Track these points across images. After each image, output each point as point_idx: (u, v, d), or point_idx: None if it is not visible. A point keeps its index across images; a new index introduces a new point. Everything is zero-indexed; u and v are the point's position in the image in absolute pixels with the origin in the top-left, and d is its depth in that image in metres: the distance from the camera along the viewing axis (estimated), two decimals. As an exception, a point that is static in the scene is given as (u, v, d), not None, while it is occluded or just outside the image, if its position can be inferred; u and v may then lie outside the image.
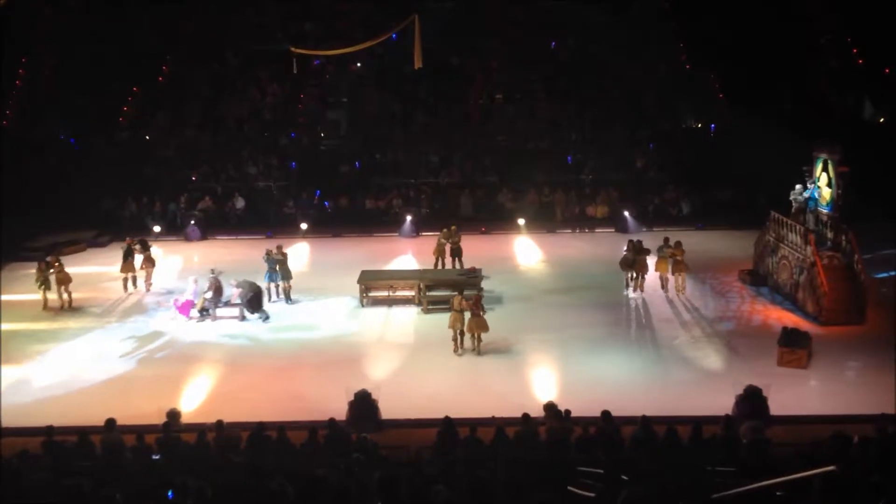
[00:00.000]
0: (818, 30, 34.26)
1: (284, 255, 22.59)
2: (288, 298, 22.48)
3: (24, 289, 22.70)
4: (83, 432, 13.30)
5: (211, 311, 21.19)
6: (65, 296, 22.27)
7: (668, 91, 34.60)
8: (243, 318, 21.23)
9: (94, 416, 14.27)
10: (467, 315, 18.70)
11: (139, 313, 22.07)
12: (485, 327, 18.59)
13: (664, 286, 22.42)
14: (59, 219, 29.56)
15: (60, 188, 30.07)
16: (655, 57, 35.48)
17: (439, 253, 24.43)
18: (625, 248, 22.80)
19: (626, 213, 29.73)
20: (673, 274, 22.27)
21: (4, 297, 21.97)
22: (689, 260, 22.49)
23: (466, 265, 23.99)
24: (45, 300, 22.13)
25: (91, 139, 33.30)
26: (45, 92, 33.27)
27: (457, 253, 24.51)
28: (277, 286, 22.60)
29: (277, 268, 22.33)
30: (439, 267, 24.38)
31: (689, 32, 35.36)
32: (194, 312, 21.26)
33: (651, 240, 23.52)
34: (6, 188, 28.17)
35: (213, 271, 21.98)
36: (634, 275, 22.44)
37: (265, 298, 21.84)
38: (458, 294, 19.10)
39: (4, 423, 15.32)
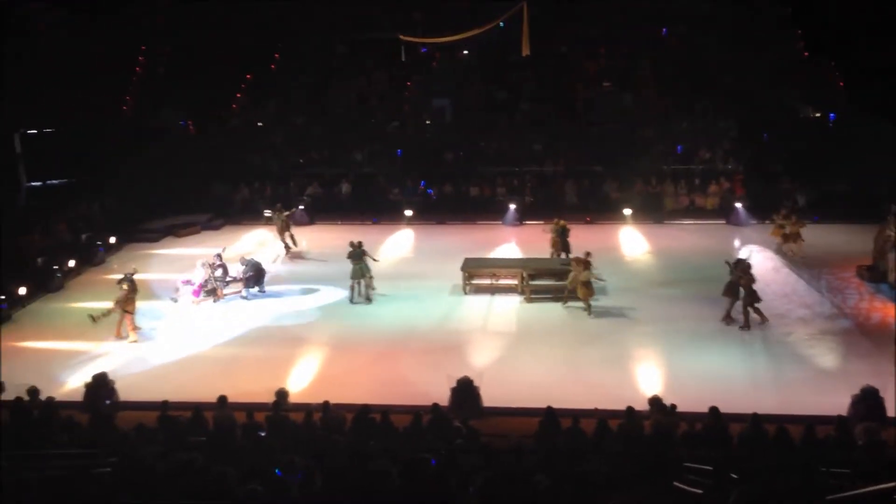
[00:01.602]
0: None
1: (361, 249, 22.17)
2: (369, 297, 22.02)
3: (142, 269, 23.49)
4: (197, 408, 13.76)
5: (220, 287, 22.15)
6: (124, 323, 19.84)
7: (783, 79, 33.37)
8: (244, 296, 22.25)
9: (206, 393, 14.77)
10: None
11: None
12: (590, 292, 20.12)
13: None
14: (175, 202, 30.61)
15: (176, 173, 31.12)
16: (770, 44, 34.25)
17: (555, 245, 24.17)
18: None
19: (738, 205, 28.87)
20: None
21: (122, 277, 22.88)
22: (805, 252, 22.01)
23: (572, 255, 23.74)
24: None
25: (205, 125, 34.32)
26: (163, 80, 34.43)
27: (565, 247, 24.16)
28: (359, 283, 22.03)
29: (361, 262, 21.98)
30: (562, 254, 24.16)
31: (806, 18, 34.00)
32: (203, 294, 21.97)
33: (763, 232, 22.81)
34: (126, 172, 29.47)
35: (219, 254, 22.62)
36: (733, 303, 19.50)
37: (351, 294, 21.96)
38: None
39: (122, 398, 16.07)
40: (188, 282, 22.03)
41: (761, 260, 23.85)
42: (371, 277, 22.07)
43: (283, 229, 26.25)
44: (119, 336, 19.59)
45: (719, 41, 33.95)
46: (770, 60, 33.81)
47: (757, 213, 28.62)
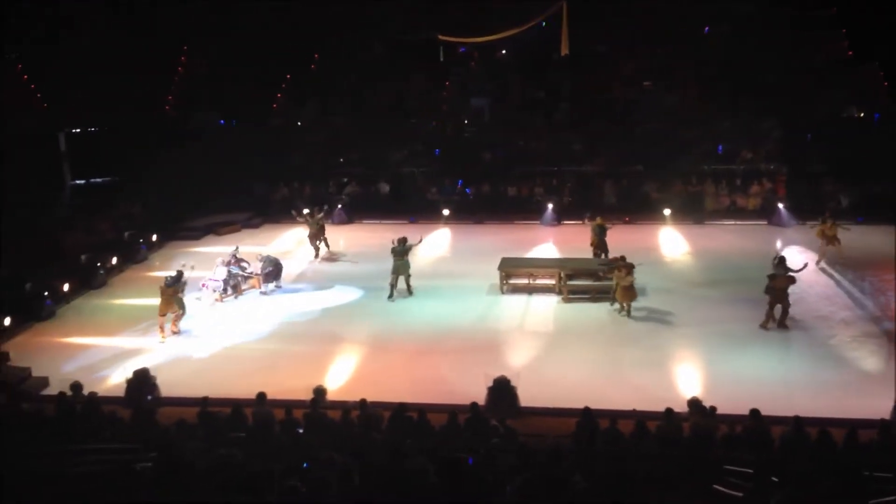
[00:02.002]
0: None
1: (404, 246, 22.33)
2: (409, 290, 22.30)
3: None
4: (236, 404, 13.90)
5: (241, 284, 22.44)
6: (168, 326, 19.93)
7: (826, 79, 32.87)
8: (263, 291, 22.63)
9: (245, 389, 14.91)
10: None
11: (290, 292, 22.85)
12: (631, 296, 19.94)
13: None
14: (216, 201, 30.94)
15: (217, 171, 31.46)
16: (813, 44, 33.77)
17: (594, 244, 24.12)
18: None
19: (781, 206, 28.52)
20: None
21: (164, 274, 23.15)
22: (847, 254, 21.94)
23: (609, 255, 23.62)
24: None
25: (245, 125, 34.64)
26: (204, 79, 34.82)
27: (602, 247, 24.03)
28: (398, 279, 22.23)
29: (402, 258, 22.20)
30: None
31: (850, 17, 33.45)
32: (230, 290, 22.20)
33: (806, 234, 22.50)
34: (168, 171, 29.87)
35: (235, 253, 22.76)
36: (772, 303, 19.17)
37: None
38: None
39: (163, 393, 16.28)
40: (211, 281, 22.21)
41: (803, 261, 23.53)
42: (409, 275, 22.16)
43: (316, 234, 25.83)
44: (174, 331, 19.83)
45: (762, 41, 33.55)
46: (813, 60, 33.35)
47: (799, 214, 28.23)
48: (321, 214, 26.04)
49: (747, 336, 18.63)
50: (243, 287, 22.66)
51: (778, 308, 19.03)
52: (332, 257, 26.07)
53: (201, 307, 21.62)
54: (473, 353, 18.06)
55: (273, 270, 22.96)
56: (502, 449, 11.11)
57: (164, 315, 19.68)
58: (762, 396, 14.43)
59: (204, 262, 24.74)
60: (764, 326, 18.99)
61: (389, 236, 23.03)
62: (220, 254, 23.95)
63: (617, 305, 20.35)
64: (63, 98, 28.95)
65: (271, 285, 22.89)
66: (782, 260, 19.60)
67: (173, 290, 19.76)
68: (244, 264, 22.59)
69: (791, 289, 19.47)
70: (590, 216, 24.79)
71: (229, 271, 22.26)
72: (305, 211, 26.78)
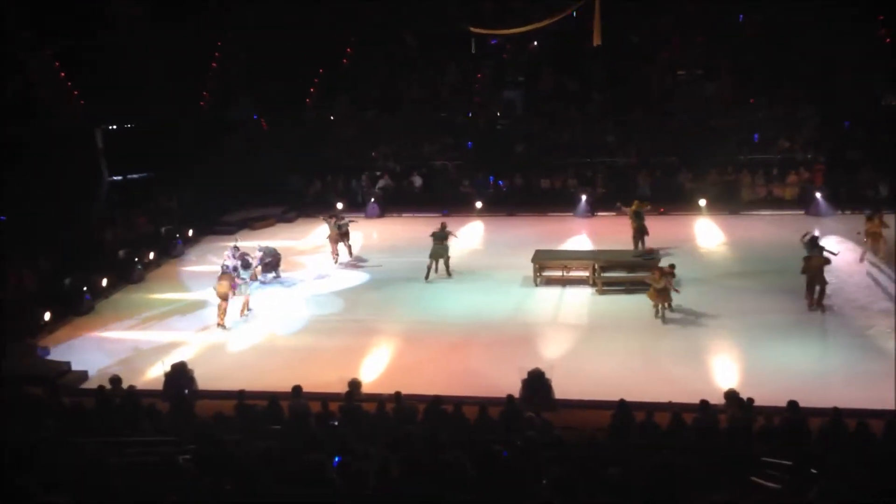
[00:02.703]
0: None
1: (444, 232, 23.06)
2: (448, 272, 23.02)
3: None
4: (272, 397, 14.02)
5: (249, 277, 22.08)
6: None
7: (865, 67, 32.31)
8: (262, 281, 22.81)
9: (281, 382, 15.04)
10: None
11: (322, 287, 22.98)
12: (664, 298, 19.10)
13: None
14: (251, 195, 31.15)
15: (252, 166, 31.68)
16: (851, 30, 33.19)
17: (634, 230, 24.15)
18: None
19: (818, 195, 28.09)
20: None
21: (200, 269, 23.47)
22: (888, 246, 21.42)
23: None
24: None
25: (279, 120, 34.84)
26: (238, 74, 35.05)
27: (641, 231, 23.96)
28: (437, 263, 22.91)
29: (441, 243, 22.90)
30: (638, 247, 23.98)
31: (889, 4, 32.83)
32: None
33: (844, 223, 22.17)
34: (203, 166, 30.14)
35: (236, 245, 22.70)
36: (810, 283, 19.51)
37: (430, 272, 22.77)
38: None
39: (200, 386, 16.46)
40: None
41: (843, 251, 23.23)
42: (448, 258, 22.78)
43: (337, 238, 24.63)
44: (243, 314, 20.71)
45: (798, 28, 33.08)
46: (851, 47, 32.79)
47: (837, 204, 27.84)
48: (345, 221, 24.84)
49: (784, 327, 18.43)
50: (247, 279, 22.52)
51: (816, 289, 19.19)
52: (355, 262, 25.17)
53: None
54: (507, 346, 18.06)
55: (272, 261, 23.20)
56: (538, 442, 11.10)
57: (224, 300, 20.03)
58: (800, 388, 14.29)
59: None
60: (810, 307, 19.26)
61: (422, 229, 23.12)
62: (255, 248, 24.14)
63: (659, 307, 19.33)
64: (99, 94, 29.28)
65: (270, 276, 23.12)
66: (813, 239, 20.02)
67: (230, 277, 20.27)
68: (247, 258, 22.35)
69: (829, 279, 19.62)
70: (620, 205, 24.67)
71: (239, 266, 22.26)
72: (337, 214, 25.88)
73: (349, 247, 25.01)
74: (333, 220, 24.75)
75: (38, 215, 24.29)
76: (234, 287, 20.20)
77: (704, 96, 33.37)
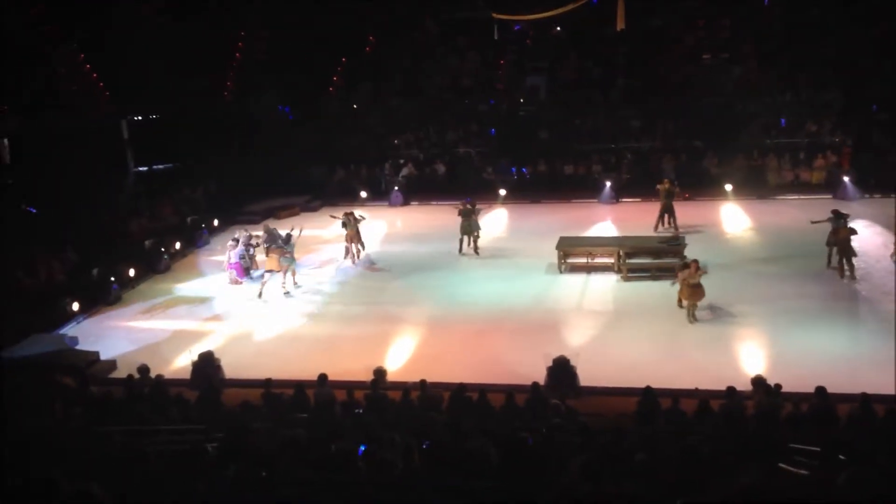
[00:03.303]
0: None
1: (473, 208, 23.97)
2: (476, 250, 23.73)
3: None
4: (299, 386, 14.10)
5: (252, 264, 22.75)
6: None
7: (890, 48, 31.81)
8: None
9: (307, 371, 15.12)
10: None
11: (346, 275, 23.05)
12: (698, 295, 18.16)
13: None
14: (275, 184, 31.27)
15: (276, 156, 31.78)
16: (875, 11, 32.69)
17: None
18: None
19: (846, 179, 27.77)
20: None
21: (225, 258, 23.50)
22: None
23: (670, 232, 23.35)
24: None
25: (302, 109, 34.91)
26: (261, 65, 35.17)
27: (669, 210, 24.48)
28: (469, 238, 23.77)
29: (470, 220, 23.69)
30: (661, 225, 24.59)
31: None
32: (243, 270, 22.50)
33: (872, 207, 21.90)
34: (228, 156, 30.29)
35: (237, 238, 22.95)
36: (837, 255, 20.37)
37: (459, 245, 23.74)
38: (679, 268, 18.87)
39: (227, 375, 16.58)
40: (234, 265, 22.41)
41: (870, 235, 22.99)
42: (478, 235, 23.61)
43: (353, 237, 23.84)
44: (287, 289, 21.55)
45: (823, 10, 32.64)
46: (876, 28, 32.31)
47: (865, 187, 27.52)
48: (359, 220, 23.92)
49: (812, 312, 18.26)
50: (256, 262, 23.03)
51: (844, 261, 19.98)
52: (370, 264, 24.48)
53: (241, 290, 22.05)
54: (532, 333, 18.03)
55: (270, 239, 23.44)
56: (563, 429, 11.09)
57: (269, 272, 21.63)
58: (828, 374, 14.15)
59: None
60: (840, 275, 20.01)
61: (446, 218, 23.11)
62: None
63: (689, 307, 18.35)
64: (125, 86, 29.49)
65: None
66: (836, 212, 20.61)
67: (280, 251, 21.32)
68: (250, 248, 22.81)
69: (858, 263, 19.90)
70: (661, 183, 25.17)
71: (241, 252, 22.50)
72: (352, 212, 24.20)
73: (362, 243, 24.15)
74: (352, 217, 23.62)
75: (66, 206, 24.54)
76: (283, 257, 21.32)
77: (729, 80, 33.04)
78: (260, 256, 23.06)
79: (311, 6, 34.32)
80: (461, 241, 23.60)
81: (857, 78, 31.22)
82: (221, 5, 33.09)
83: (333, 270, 23.31)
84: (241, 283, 22.27)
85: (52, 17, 28.39)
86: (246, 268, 22.60)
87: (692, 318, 18.15)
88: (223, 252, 23.11)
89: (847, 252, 20.04)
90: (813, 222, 21.33)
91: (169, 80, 29.50)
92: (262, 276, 22.20)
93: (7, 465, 7.67)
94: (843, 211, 21.05)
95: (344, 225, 23.72)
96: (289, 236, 22.09)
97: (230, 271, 22.33)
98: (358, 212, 24.29)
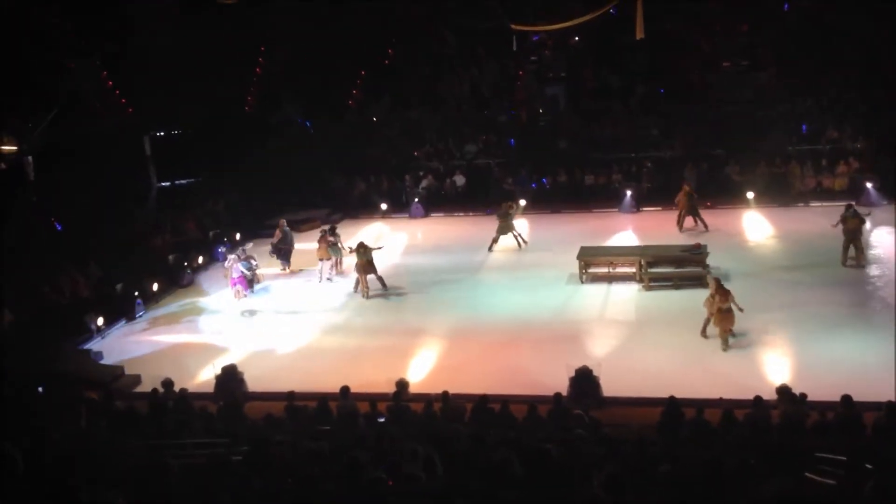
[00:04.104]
0: None
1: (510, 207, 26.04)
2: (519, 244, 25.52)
3: (262, 262, 24.16)
4: (322, 398, 14.13)
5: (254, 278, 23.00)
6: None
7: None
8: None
9: (329, 383, 15.16)
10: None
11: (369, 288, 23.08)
12: (730, 321, 17.08)
13: None
14: (296, 197, 31.39)
15: (297, 168, 31.93)
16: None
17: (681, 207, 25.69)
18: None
19: (869, 185, 27.52)
20: None
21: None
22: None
23: (692, 241, 23.23)
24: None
25: (323, 121, 35.07)
26: (282, 78, 35.38)
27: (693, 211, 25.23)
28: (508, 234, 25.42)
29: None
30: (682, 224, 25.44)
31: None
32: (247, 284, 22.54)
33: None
34: (249, 169, 30.45)
35: (244, 249, 23.78)
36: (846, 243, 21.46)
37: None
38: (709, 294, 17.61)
39: (250, 389, 16.64)
40: (238, 280, 22.39)
41: (893, 241, 22.79)
42: (517, 233, 25.47)
43: (365, 268, 22.21)
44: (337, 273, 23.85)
45: (843, 14, 32.42)
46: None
47: (888, 193, 27.25)
48: (377, 247, 22.94)
49: (836, 320, 18.11)
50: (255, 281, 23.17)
51: (852, 248, 21.14)
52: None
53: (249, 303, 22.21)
54: (554, 343, 17.97)
55: (285, 249, 24.67)
56: (587, 439, 11.05)
57: (321, 260, 23.35)
58: (854, 382, 14.02)
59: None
60: (844, 263, 21.21)
61: (466, 229, 23.19)
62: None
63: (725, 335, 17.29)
64: (146, 101, 29.74)
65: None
66: (848, 206, 21.93)
67: (328, 242, 23.30)
68: (252, 261, 22.89)
69: (880, 272, 20.33)
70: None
71: (242, 267, 22.51)
72: (363, 243, 22.64)
73: (380, 278, 22.41)
74: (362, 250, 22.07)
75: (90, 222, 24.77)
76: (332, 247, 23.34)
77: (749, 87, 32.88)
78: (261, 270, 23.56)
79: (330, 18, 34.48)
80: (494, 240, 25.21)
81: (879, 82, 30.96)
82: (241, 18, 33.31)
83: (353, 283, 23.33)
84: (245, 296, 22.33)
85: (74, 32, 28.65)
86: (249, 280, 22.69)
87: (725, 345, 17.14)
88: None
89: (856, 240, 21.11)
90: (834, 226, 21.75)
91: (190, 95, 29.70)
92: (262, 289, 23.14)
93: (34, 476, 7.74)
94: (864, 213, 21.37)
95: (356, 253, 22.08)
96: (333, 227, 24.62)
97: (236, 287, 22.40)
98: (374, 241, 24.24)
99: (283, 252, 24.67)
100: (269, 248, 25.08)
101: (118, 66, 30.19)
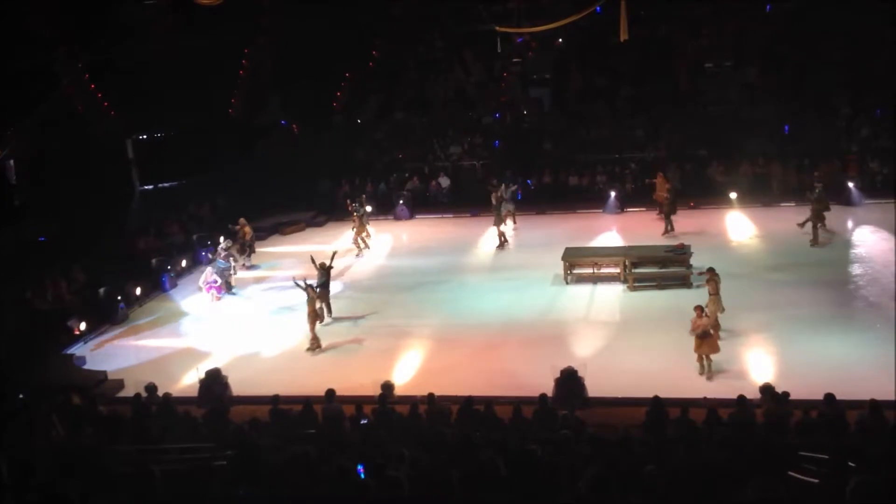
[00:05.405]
0: None
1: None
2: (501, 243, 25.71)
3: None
4: (307, 402, 14.09)
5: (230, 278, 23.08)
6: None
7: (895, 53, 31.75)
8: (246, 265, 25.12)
9: (314, 387, 15.12)
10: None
11: (354, 290, 23.05)
12: (714, 348, 16.14)
13: None
14: (281, 200, 31.31)
15: (281, 171, 31.84)
16: (880, 16, 32.64)
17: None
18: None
19: (851, 185, 27.70)
20: None
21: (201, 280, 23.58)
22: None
23: (675, 242, 23.31)
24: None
25: (308, 124, 34.98)
26: (267, 80, 35.25)
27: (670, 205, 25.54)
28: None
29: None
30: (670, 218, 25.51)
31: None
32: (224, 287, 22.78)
33: (877, 213, 21.86)
34: (234, 172, 30.33)
35: (224, 247, 23.60)
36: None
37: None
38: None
39: (235, 392, 16.58)
40: (211, 284, 22.51)
41: (877, 241, 22.95)
42: (503, 232, 25.62)
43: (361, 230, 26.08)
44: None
45: (826, 16, 32.62)
46: (882, 35, 32.24)
47: (870, 193, 27.43)
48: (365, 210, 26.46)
49: (819, 319, 18.22)
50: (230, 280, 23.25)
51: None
52: (391, 252, 25.89)
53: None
54: (539, 345, 18.01)
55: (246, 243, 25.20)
56: (572, 440, 11.07)
57: (359, 235, 25.12)
58: (837, 381, 14.13)
59: (269, 258, 25.11)
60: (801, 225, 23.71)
61: (452, 230, 23.10)
62: (287, 253, 24.33)
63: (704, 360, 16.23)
64: (130, 105, 29.56)
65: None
66: (815, 188, 23.54)
67: (360, 219, 24.95)
68: (232, 260, 23.18)
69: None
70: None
71: (220, 265, 22.66)
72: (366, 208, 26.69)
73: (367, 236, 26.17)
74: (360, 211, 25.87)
75: (73, 226, 24.60)
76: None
77: (733, 88, 33.05)
78: (261, 271, 23.88)
79: (315, 21, 34.39)
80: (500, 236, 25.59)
81: (862, 83, 31.18)
82: (225, 21, 33.14)
83: (340, 286, 23.27)
84: (220, 299, 22.36)
85: (59, 37, 28.44)
86: (226, 282, 22.63)
87: (708, 373, 16.04)
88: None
89: (818, 219, 22.93)
90: (800, 225, 23.14)
91: (173, 99, 29.54)
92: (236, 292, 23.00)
93: (19, 482, 7.70)
94: (850, 224, 21.88)
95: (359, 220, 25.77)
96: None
97: (211, 291, 22.35)
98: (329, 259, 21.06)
99: (252, 248, 25.15)
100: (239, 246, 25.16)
101: (101, 71, 30.00)
